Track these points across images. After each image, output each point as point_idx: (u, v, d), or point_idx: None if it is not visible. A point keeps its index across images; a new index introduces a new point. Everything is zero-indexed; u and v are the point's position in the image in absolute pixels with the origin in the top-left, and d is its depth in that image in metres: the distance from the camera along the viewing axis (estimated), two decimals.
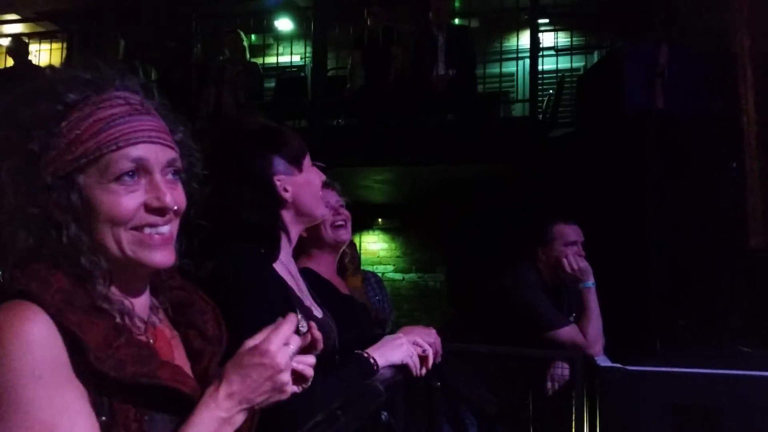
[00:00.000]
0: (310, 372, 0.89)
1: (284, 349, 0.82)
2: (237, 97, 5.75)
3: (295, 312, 1.10)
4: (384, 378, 1.28)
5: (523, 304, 2.53)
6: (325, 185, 2.03)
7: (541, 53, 5.41)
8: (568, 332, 2.47)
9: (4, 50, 7.10)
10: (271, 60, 6.40)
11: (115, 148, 0.80)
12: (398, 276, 7.48)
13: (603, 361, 2.34)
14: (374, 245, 7.61)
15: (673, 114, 3.45)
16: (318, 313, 1.50)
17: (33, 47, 7.01)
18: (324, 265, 1.98)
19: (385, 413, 1.15)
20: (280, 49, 6.61)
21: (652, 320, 3.00)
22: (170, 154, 0.86)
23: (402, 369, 1.48)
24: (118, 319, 0.81)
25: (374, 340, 1.55)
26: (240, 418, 0.82)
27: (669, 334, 2.93)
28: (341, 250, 2.12)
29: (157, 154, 0.84)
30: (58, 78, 0.84)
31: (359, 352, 1.45)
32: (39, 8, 7.51)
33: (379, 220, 7.57)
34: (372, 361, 1.42)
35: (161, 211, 0.83)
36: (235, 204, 1.35)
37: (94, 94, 0.83)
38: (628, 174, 3.41)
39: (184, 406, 0.81)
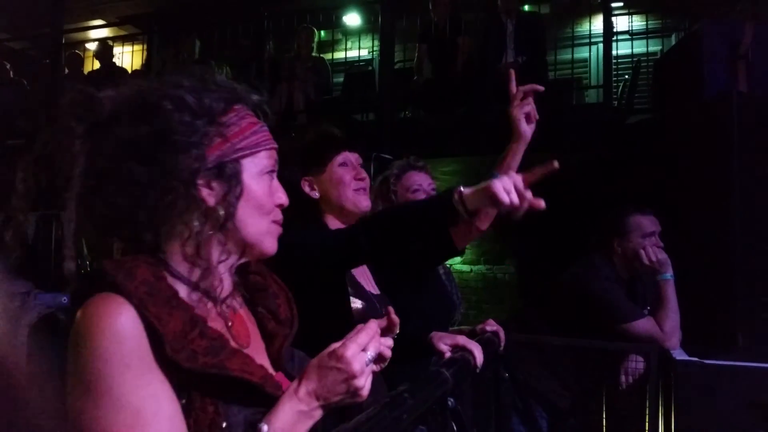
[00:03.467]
0: (387, 353, 0.96)
1: (360, 356, 0.85)
2: (307, 92, 5.88)
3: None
4: (451, 366, 1.30)
5: (597, 296, 2.49)
6: (419, 168, 2.24)
7: (615, 38, 5.23)
8: (644, 324, 2.40)
9: (91, 54, 7.54)
10: (339, 55, 6.49)
11: (267, 147, 0.95)
12: (466, 268, 7.43)
13: (679, 355, 2.27)
14: None
15: (757, 97, 3.26)
16: (372, 290, 1.65)
17: (116, 50, 7.41)
18: None
19: (452, 399, 1.17)
20: (349, 44, 6.69)
21: (734, 313, 2.87)
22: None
23: (468, 359, 1.49)
24: (196, 309, 0.86)
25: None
26: (318, 414, 0.86)
27: (751, 328, 2.79)
28: None
29: (276, 159, 0.98)
30: (219, 80, 0.95)
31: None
32: (121, 13, 7.92)
33: None
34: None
35: (282, 206, 0.98)
36: None
37: (239, 100, 0.95)
38: (709, 161, 3.26)
39: (254, 394, 0.85)
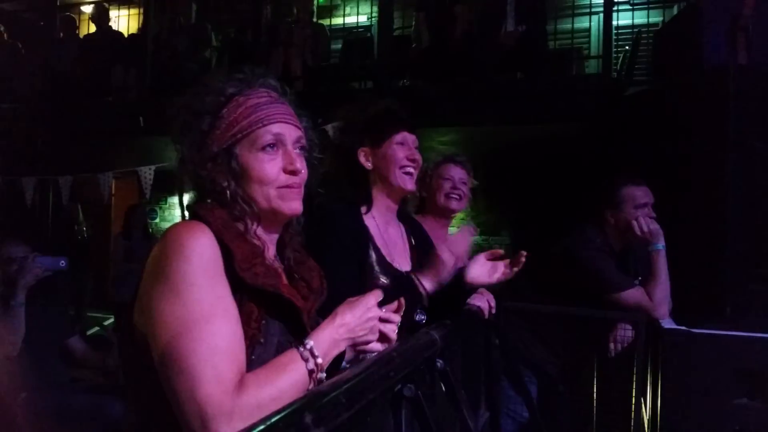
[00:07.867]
0: (393, 336, 1.15)
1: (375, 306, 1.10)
2: (304, 59, 5.82)
3: (368, 258, 1.62)
4: (439, 327, 1.32)
5: (588, 266, 2.51)
6: (455, 162, 2.45)
7: (615, 7, 5.17)
8: (634, 294, 2.44)
9: (87, 17, 7.43)
10: (337, 21, 6.40)
11: (261, 125, 1.10)
12: None
13: (668, 324, 2.30)
14: None
15: (756, 69, 3.25)
16: (403, 267, 1.75)
17: (113, 13, 7.30)
18: (431, 228, 2.21)
19: (441, 361, 1.20)
20: (347, 10, 6.60)
21: (723, 284, 2.91)
22: (298, 132, 1.15)
23: (460, 321, 1.52)
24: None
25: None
26: (344, 345, 1.06)
27: (740, 299, 2.83)
28: (451, 218, 2.49)
29: (289, 131, 1.13)
30: (220, 78, 1.14)
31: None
32: None
33: None
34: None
35: (294, 172, 1.11)
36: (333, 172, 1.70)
37: (246, 88, 1.13)
38: (705, 133, 3.26)
39: (294, 317, 1.07)
